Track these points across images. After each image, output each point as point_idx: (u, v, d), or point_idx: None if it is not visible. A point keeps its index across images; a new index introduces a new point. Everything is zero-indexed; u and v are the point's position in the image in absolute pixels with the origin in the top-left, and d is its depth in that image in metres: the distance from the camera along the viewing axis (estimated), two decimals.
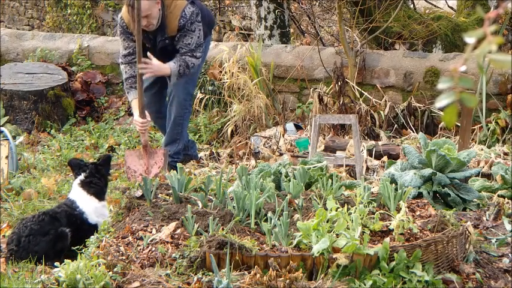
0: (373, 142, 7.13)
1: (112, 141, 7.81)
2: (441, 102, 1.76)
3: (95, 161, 4.96)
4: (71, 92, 8.84)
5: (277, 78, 8.55)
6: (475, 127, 7.38)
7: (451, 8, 10.71)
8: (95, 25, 13.35)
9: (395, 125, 7.77)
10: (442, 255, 3.68)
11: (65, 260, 3.59)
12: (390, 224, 3.81)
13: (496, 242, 4.30)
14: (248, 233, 3.81)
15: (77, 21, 13.46)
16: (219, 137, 7.98)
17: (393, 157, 6.61)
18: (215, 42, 9.22)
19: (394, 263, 3.51)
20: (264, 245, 3.65)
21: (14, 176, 6.27)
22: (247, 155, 7.22)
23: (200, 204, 4.12)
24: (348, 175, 6.22)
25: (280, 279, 3.32)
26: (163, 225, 3.87)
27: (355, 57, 8.17)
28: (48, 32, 11.32)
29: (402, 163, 5.45)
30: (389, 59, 8.28)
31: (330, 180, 4.46)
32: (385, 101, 7.93)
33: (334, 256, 3.46)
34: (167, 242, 3.71)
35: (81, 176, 4.67)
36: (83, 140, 7.96)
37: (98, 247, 3.76)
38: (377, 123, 7.72)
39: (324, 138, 7.32)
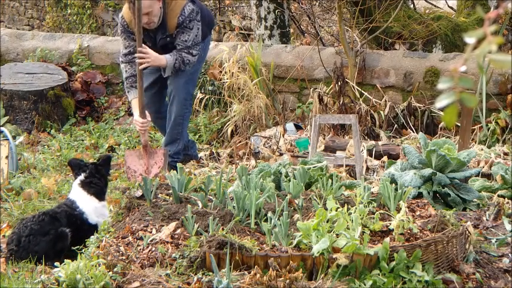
0: (373, 142, 7.12)
1: (112, 141, 7.81)
2: (441, 102, 1.76)
3: (95, 161, 4.96)
4: (71, 92, 8.84)
5: (277, 78, 8.55)
6: (475, 127, 7.38)
7: (451, 8, 10.71)
8: (95, 25, 13.35)
9: (395, 125, 7.77)
10: (442, 255, 3.68)
11: (65, 260, 3.59)
12: (390, 224, 3.81)
13: (496, 242, 4.30)
14: (248, 233, 3.81)
15: (77, 21, 13.46)
16: (219, 137, 7.98)
17: (393, 157, 6.61)
18: (215, 42, 9.22)
19: (394, 263, 3.51)
20: (264, 245, 3.65)
21: (14, 176, 6.27)
22: (247, 155, 7.23)
23: (200, 204, 4.12)
24: (348, 175, 6.22)
25: (280, 279, 3.32)
26: (163, 225, 3.87)
27: (355, 57, 8.17)
28: (48, 32, 11.32)
29: (402, 163, 5.45)
30: (389, 59, 8.28)
31: (330, 180, 4.46)
32: (385, 101, 7.93)
33: (334, 256, 3.46)
34: (167, 242, 3.71)
35: (81, 176, 4.67)
36: (83, 140, 7.96)
37: (98, 247, 3.76)
38: (377, 123, 7.72)
39: (324, 138, 7.32)
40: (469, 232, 3.92)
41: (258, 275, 3.33)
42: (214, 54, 8.47)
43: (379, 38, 8.56)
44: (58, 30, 13.36)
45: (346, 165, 6.38)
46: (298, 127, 7.98)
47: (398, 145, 7.07)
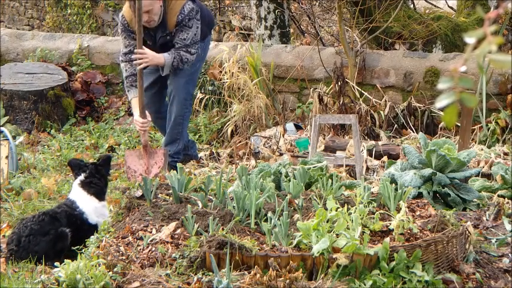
0: (373, 142, 7.12)
1: (112, 141, 7.81)
2: (441, 102, 1.76)
3: (95, 161, 4.96)
4: (71, 92, 8.84)
5: (277, 78, 8.55)
6: (475, 127, 7.38)
7: (451, 8, 10.71)
8: (95, 25, 13.35)
9: (395, 125, 7.77)
10: (442, 255, 3.68)
11: (65, 260, 3.59)
12: (390, 224, 3.81)
13: (496, 242, 4.30)
14: (248, 233, 3.81)
15: (77, 21, 13.46)
16: (219, 137, 7.98)
17: (393, 157, 6.61)
18: (215, 42, 9.22)
19: (394, 263, 3.51)
20: (264, 245, 3.65)
21: (14, 176, 6.27)
22: (247, 155, 7.22)
23: (200, 204, 4.12)
24: (348, 175, 6.22)
25: (280, 279, 3.32)
26: (163, 225, 3.87)
27: (355, 57, 8.17)
28: (48, 32, 11.32)
29: (402, 163, 5.45)
30: (389, 59, 8.28)
31: (330, 180, 4.46)
32: (385, 101, 7.93)
33: (334, 256, 3.46)
34: (167, 242, 3.71)
35: (81, 176, 4.67)
36: (83, 140, 7.96)
37: (98, 247, 3.76)
38: (377, 123, 7.72)
39: (324, 138, 7.32)
40: (469, 232, 3.92)
41: (258, 275, 3.33)
42: (214, 54, 8.47)
43: (379, 38, 8.56)
44: (58, 30, 13.36)
45: (346, 165, 6.38)
46: (298, 127, 7.98)
47: (398, 145, 7.07)
